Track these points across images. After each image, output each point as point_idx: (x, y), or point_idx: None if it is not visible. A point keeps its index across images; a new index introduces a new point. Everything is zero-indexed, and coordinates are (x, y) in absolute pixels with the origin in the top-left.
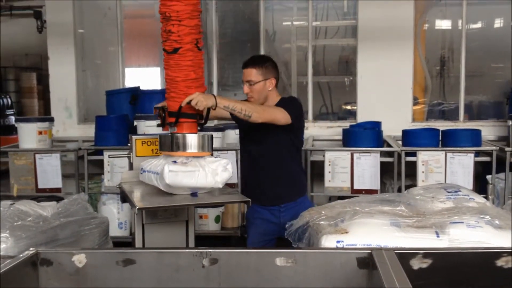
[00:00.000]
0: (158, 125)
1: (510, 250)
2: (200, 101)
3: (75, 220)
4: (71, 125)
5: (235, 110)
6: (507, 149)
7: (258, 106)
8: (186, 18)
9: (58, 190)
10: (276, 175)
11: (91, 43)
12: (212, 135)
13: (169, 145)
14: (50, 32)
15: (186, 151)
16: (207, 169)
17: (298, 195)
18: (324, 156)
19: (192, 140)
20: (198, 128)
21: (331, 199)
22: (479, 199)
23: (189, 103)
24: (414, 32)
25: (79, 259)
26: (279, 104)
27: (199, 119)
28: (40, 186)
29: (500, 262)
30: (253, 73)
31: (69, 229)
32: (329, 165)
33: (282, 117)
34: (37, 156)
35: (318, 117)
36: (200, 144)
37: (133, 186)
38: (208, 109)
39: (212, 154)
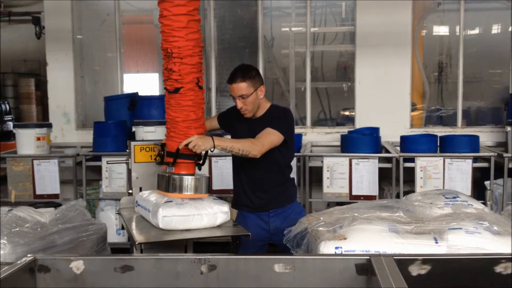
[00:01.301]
0: (157, 163)
1: (509, 256)
2: (198, 145)
3: (73, 227)
4: (69, 131)
5: (232, 151)
6: (505, 155)
7: (254, 142)
8: (188, 55)
9: (56, 196)
10: (263, 184)
11: (89, 49)
12: (208, 177)
13: (165, 186)
14: (48, 38)
15: (182, 193)
16: (203, 212)
17: (286, 202)
18: (322, 162)
19: (189, 182)
20: (196, 169)
21: (329, 205)
22: (478, 205)
23: (187, 145)
24: (412, 38)
25: (77, 265)
26: (271, 114)
27: (197, 160)
28: (38, 192)
29: (498, 268)
30: (244, 87)
31: (67, 236)
32: (328, 171)
33: (277, 141)
34: (35, 162)
35: (316, 123)
36: (196, 186)
37: (132, 213)
38: (206, 152)
39: (208, 195)
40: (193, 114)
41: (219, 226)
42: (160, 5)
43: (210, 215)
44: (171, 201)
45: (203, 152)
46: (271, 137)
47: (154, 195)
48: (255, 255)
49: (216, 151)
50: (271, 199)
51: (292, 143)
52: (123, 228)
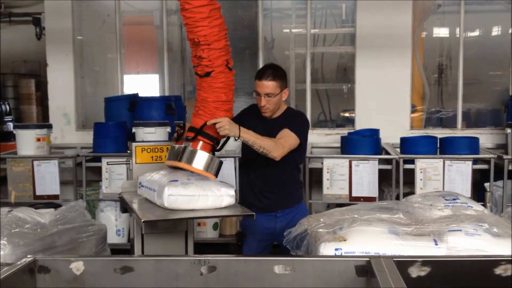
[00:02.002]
0: (174, 139)
1: (509, 258)
2: (224, 127)
3: (72, 227)
4: (69, 131)
5: (254, 146)
6: (505, 157)
7: (275, 143)
8: (214, 41)
9: (56, 197)
10: (274, 185)
11: (90, 50)
12: (221, 161)
13: (176, 155)
14: (49, 38)
15: (192, 165)
16: (209, 193)
17: (294, 203)
18: (322, 163)
19: (202, 157)
20: (211, 153)
21: (329, 206)
22: (477, 207)
23: (214, 124)
24: (412, 39)
25: (77, 266)
26: (288, 116)
27: (215, 144)
28: (38, 193)
29: (498, 270)
30: (272, 86)
31: (67, 236)
32: (328, 172)
33: (295, 144)
34: (35, 162)
35: (316, 124)
36: (208, 164)
37: (133, 196)
38: (227, 138)
39: (216, 177)
40: (224, 95)
41: (223, 208)
42: None
43: (216, 197)
44: (177, 180)
45: (223, 139)
46: (290, 140)
47: (159, 175)
48: (255, 256)
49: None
50: (280, 199)
51: (305, 146)
52: (124, 211)
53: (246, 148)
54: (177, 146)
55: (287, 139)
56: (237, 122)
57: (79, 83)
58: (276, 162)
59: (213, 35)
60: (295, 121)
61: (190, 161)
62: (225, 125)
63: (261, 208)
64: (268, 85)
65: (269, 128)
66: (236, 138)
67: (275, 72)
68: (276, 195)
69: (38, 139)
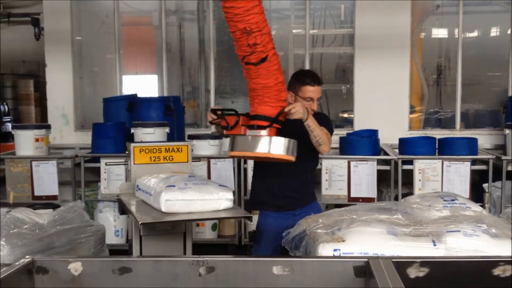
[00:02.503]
0: (224, 128)
1: (507, 259)
2: (298, 111)
3: (71, 228)
4: (68, 132)
5: (312, 133)
6: (503, 157)
7: (328, 137)
8: (264, 26)
9: (54, 197)
10: (296, 183)
11: (88, 51)
12: (296, 142)
13: (254, 145)
14: (47, 39)
15: (282, 153)
16: (207, 197)
17: (311, 201)
18: (321, 164)
19: (286, 143)
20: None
21: (328, 207)
22: (476, 207)
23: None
24: (410, 40)
25: (75, 267)
26: (316, 117)
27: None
28: (36, 193)
29: (497, 271)
30: (320, 91)
31: (65, 237)
32: (326, 173)
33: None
34: (34, 163)
35: None
36: (292, 148)
37: (131, 198)
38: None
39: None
40: (280, 76)
41: (221, 210)
42: None
43: (214, 201)
44: (174, 185)
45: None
46: (329, 138)
47: (156, 179)
48: (254, 257)
49: (213, 153)
50: (300, 198)
51: None
52: (123, 213)
53: None
54: (248, 135)
55: (329, 136)
56: None
57: (78, 83)
58: (303, 162)
59: (263, 21)
60: (327, 122)
61: (279, 149)
62: (299, 109)
63: (280, 207)
64: (319, 90)
65: (300, 129)
66: (304, 120)
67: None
68: (298, 194)
69: (37, 140)
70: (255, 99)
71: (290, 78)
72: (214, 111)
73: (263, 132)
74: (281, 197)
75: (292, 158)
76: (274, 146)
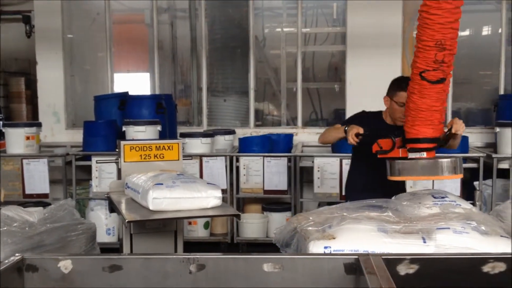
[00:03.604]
0: (383, 152)
1: (496, 256)
2: (463, 127)
3: (61, 226)
4: (59, 130)
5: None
6: (494, 155)
7: None
8: (454, 47)
9: (45, 195)
10: (399, 183)
11: (79, 48)
12: (461, 158)
13: (426, 170)
14: (38, 37)
15: (455, 174)
16: (195, 195)
17: None
18: (313, 162)
19: (454, 163)
20: None
21: (320, 205)
22: (466, 205)
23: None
24: (402, 39)
25: (65, 265)
26: None
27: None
28: (27, 191)
29: (486, 268)
30: None
31: (56, 235)
32: (318, 171)
33: None
34: (25, 161)
35: (307, 123)
36: (456, 167)
37: (121, 196)
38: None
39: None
40: (445, 102)
41: (209, 208)
42: None
43: (202, 199)
44: (162, 183)
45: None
46: None
47: (145, 177)
48: (244, 254)
49: (205, 151)
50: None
51: None
52: (112, 211)
53: (362, 146)
54: (414, 160)
55: None
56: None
57: (69, 81)
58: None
59: (455, 39)
60: None
61: (453, 171)
62: (463, 125)
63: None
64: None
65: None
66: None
67: None
68: (392, 189)
69: (28, 138)
70: (416, 120)
71: (389, 84)
72: (357, 135)
73: (425, 154)
74: (374, 194)
75: (461, 175)
76: (446, 168)
